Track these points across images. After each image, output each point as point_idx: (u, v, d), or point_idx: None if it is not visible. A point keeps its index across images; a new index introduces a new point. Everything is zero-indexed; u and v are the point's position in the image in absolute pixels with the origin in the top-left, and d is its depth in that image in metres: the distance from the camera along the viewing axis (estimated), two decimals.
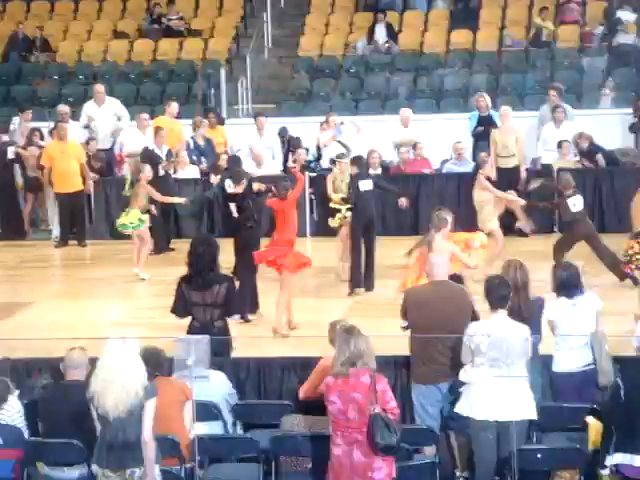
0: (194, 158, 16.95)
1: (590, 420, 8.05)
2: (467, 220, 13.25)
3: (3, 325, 11.68)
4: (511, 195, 13.42)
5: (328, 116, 16.55)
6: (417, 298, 8.68)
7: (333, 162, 13.65)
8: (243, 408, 8.83)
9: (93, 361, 7.47)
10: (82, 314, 12.09)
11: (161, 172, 15.34)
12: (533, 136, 16.64)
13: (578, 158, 16.56)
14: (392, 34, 22.99)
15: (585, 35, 22.49)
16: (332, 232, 13.80)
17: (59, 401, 7.91)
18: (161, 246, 15.28)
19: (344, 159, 13.36)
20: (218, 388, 8.70)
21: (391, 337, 8.96)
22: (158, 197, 14.08)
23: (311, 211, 16.42)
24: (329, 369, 7.51)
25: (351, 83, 22.51)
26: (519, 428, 7.79)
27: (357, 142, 16.24)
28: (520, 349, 7.89)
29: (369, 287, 12.66)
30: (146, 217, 13.81)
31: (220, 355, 8.99)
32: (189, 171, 16.72)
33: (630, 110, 18.28)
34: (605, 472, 7.66)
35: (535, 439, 8.23)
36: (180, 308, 9.61)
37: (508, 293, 8.11)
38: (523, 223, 14.57)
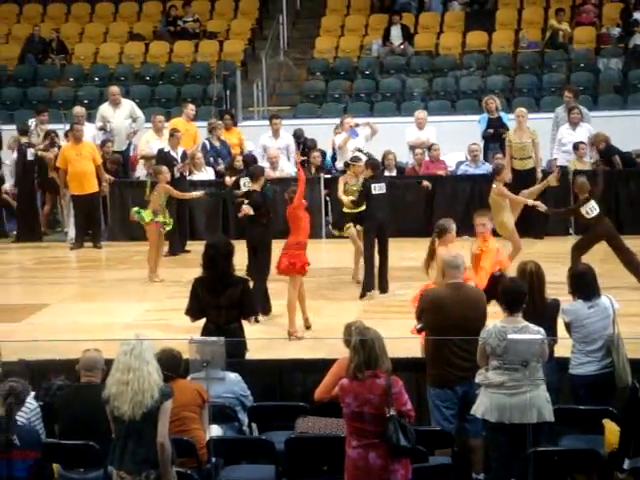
0: (211, 160, 16.97)
1: (607, 423, 8.02)
2: None
3: (19, 327, 11.70)
4: (531, 201, 13.32)
5: (343, 118, 16.53)
6: (433, 300, 8.66)
7: (347, 165, 13.61)
8: (258, 410, 8.82)
9: (109, 363, 7.47)
10: (97, 316, 12.10)
11: (176, 174, 15.35)
12: (547, 138, 16.59)
13: (594, 160, 16.51)
14: (407, 36, 23.00)
15: (601, 37, 22.45)
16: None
17: (75, 403, 7.92)
18: (176, 248, 15.30)
19: (358, 163, 13.33)
20: (233, 390, 8.70)
21: (407, 339, 8.94)
22: (178, 195, 14.11)
23: (326, 213, 16.42)
24: (344, 371, 7.50)
25: (366, 85, 22.52)
26: (535, 430, 7.76)
27: (372, 144, 16.25)
28: (536, 351, 7.85)
29: (384, 289, 12.64)
30: (159, 219, 13.73)
31: (234, 357, 8.99)
32: (204, 173, 16.74)
33: None
34: (623, 476, 7.62)
35: (551, 441, 8.20)
36: (194, 310, 9.61)
37: (524, 295, 8.09)
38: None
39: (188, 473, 7.72)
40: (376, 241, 12.57)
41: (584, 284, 8.78)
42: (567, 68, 22.07)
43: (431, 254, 10.53)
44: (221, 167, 16.86)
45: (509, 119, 17.04)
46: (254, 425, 8.79)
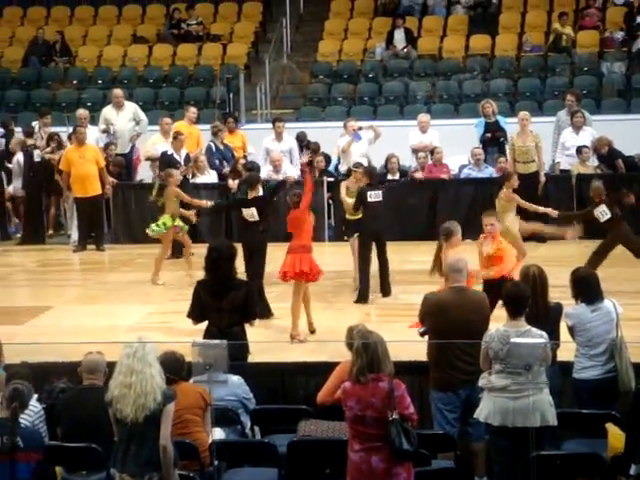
0: (216, 163, 16.96)
1: (610, 427, 8.01)
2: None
3: (22, 329, 11.70)
4: (542, 208, 13.29)
5: (346, 122, 16.54)
6: (436, 304, 8.66)
7: (349, 171, 13.60)
8: (261, 413, 8.82)
9: (111, 365, 7.47)
10: (100, 318, 12.11)
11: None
12: (549, 141, 16.58)
13: (597, 164, 16.51)
14: (411, 39, 23.00)
15: (604, 40, 22.45)
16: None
17: (77, 405, 7.92)
18: (179, 251, 15.29)
19: (359, 169, 13.31)
20: (236, 393, 8.70)
21: (409, 342, 8.94)
22: (187, 199, 14.05)
23: (328, 216, 16.43)
24: (347, 374, 7.49)
25: (370, 88, 22.52)
26: (538, 434, 7.75)
27: (376, 147, 16.26)
28: (539, 355, 7.84)
29: (386, 292, 12.62)
30: (178, 223, 13.71)
31: (237, 360, 8.98)
32: (208, 176, 16.75)
33: None
34: None
35: (554, 445, 8.19)
36: (196, 313, 9.61)
37: (527, 299, 8.08)
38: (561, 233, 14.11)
39: (190, 476, 7.71)
40: (374, 248, 12.54)
41: (587, 288, 8.78)
42: (570, 72, 22.07)
43: (438, 258, 10.53)
44: (226, 170, 16.87)
45: (506, 122, 17.05)
46: (257, 428, 8.79)
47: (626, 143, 16.76)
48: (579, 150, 16.35)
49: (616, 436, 7.87)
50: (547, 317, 8.54)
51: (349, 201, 13.04)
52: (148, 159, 16.99)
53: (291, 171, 16.83)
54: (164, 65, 23.68)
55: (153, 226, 13.69)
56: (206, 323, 9.55)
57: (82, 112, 17.47)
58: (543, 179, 15.79)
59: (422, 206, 16.25)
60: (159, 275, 13.69)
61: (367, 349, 7.31)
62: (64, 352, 9.76)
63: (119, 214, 16.79)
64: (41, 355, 9.85)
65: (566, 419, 8.13)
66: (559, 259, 13.24)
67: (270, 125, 17.77)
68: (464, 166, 17.23)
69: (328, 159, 17.31)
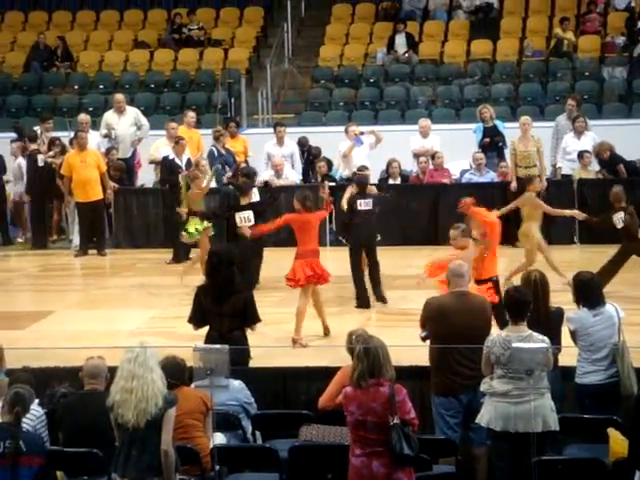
0: (219, 167, 16.95)
1: (611, 432, 8.00)
2: None
3: (23, 334, 11.70)
4: (568, 211, 13.25)
5: (347, 126, 16.55)
6: (437, 308, 8.65)
7: (354, 175, 13.58)
8: (262, 418, 8.82)
9: (113, 370, 7.47)
10: (101, 323, 12.11)
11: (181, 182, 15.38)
12: (548, 146, 16.58)
13: (599, 169, 16.50)
14: (412, 44, 23.02)
15: (606, 45, 22.46)
16: None
17: (78, 410, 7.92)
18: (181, 255, 15.31)
19: (365, 172, 13.30)
20: (237, 397, 8.70)
21: (410, 347, 8.93)
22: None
23: (330, 221, 16.42)
24: (348, 379, 7.49)
25: (371, 93, 22.54)
26: (540, 439, 7.74)
27: (377, 152, 16.26)
28: (540, 360, 7.84)
29: (383, 300, 12.52)
30: (207, 225, 13.67)
31: (238, 365, 8.98)
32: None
33: None
34: None
35: (555, 450, 8.18)
36: (197, 318, 9.61)
37: (528, 304, 8.07)
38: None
39: None
40: (364, 256, 12.54)
41: (589, 292, 8.77)
42: (572, 77, 22.08)
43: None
44: (228, 174, 16.87)
45: (504, 127, 17.06)
46: (258, 433, 8.78)
47: (627, 148, 16.76)
48: (580, 155, 16.34)
49: (618, 441, 7.86)
50: (548, 322, 8.54)
51: (347, 207, 13.07)
52: (152, 162, 16.99)
53: (292, 176, 16.84)
54: (165, 70, 23.70)
55: (188, 232, 13.54)
56: (207, 328, 9.55)
57: (83, 117, 17.48)
58: (545, 184, 15.78)
59: (423, 211, 16.25)
60: (185, 277, 13.37)
61: (368, 354, 7.30)
62: (65, 357, 9.75)
63: (120, 219, 16.79)
64: (42, 360, 9.85)
65: (567, 424, 8.12)
66: (560, 264, 13.22)
67: (271, 130, 17.79)
68: (465, 171, 17.23)
69: (329, 164, 17.31)
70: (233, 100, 21.49)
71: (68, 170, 16.16)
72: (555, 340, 8.43)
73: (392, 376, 7.32)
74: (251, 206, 12.79)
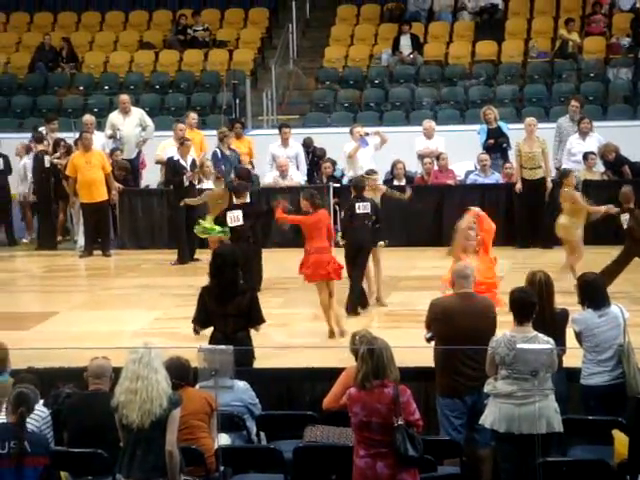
0: (222, 168, 16.96)
1: (616, 433, 7.99)
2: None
3: (28, 335, 11.71)
4: (604, 207, 13.20)
5: (353, 127, 16.55)
6: (442, 310, 8.65)
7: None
8: (267, 418, 8.82)
9: (117, 371, 7.47)
10: (106, 324, 12.11)
11: (186, 182, 15.39)
12: (550, 148, 16.55)
13: (604, 170, 16.48)
14: (417, 45, 23.02)
15: (611, 46, 22.44)
16: None
17: (83, 410, 7.92)
18: (185, 256, 15.32)
19: (373, 176, 13.29)
20: (242, 398, 8.69)
21: (415, 348, 8.93)
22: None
23: (335, 222, 16.41)
24: (352, 380, 7.49)
25: (376, 94, 22.54)
26: (544, 441, 7.73)
27: (382, 153, 16.25)
28: (545, 361, 7.83)
29: (364, 305, 12.43)
30: (222, 230, 13.70)
31: (242, 365, 8.98)
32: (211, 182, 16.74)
33: None
34: None
35: (560, 452, 8.18)
36: (202, 319, 9.61)
37: (534, 305, 8.06)
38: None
39: None
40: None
41: (593, 293, 8.76)
42: (577, 78, 22.07)
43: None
44: (232, 176, 16.87)
45: (508, 128, 17.04)
46: (262, 434, 8.78)
47: (632, 149, 16.74)
48: (585, 156, 16.32)
49: (623, 443, 7.84)
50: (553, 323, 8.52)
51: None
52: (158, 163, 17.00)
53: (297, 176, 16.84)
54: (170, 71, 23.72)
55: (204, 226, 13.51)
56: (211, 329, 9.55)
57: (88, 118, 17.49)
58: (550, 185, 15.77)
59: (428, 212, 16.24)
60: None
61: (372, 355, 7.30)
62: (70, 357, 9.76)
63: (125, 220, 16.80)
64: (47, 360, 9.86)
65: (572, 425, 8.11)
66: (566, 266, 13.19)
67: (276, 131, 17.79)
68: (470, 172, 17.22)
69: (334, 165, 17.32)
70: (238, 101, 21.50)
71: (73, 171, 16.17)
72: (559, 341, 8.42)
73: (396, 377, 7.32)
74: (243, 207, 12.83)
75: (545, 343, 7.90)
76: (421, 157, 17.10)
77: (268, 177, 16.96)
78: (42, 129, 17.99)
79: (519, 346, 7.77)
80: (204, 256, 14.19)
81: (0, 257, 16.57)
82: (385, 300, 12.62)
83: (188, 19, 24.36)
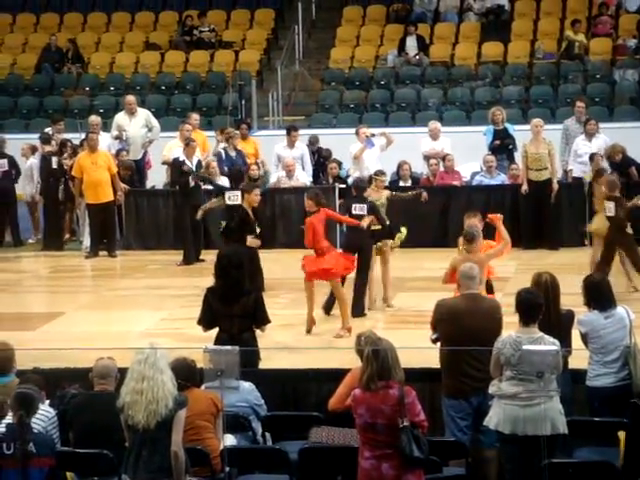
0: (224, 170, 16.97)
1: (622, 435, 7.98)
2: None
3: (34, 335, 11.72)
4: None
5: (358, 128, 16.55)
6: (448, 310, 8.64)
7: (371, 179, 13.53)
8: (272, 419, 8.81)
9: (123, 372, 7.48)
10: (112, 324, 12.13)
11: (191, 183, 15.40)
12: (557, 149, 16.54)
13: (610, 171, 16.44)
14: (423, 46, 23.02)
15: (617, 48, 22.43)
16: None
17: (88, 411, 7.92)
18: (191, 257, 15.33)
19: (381, 177, 13.24)
20: (247, 399, 8.70)
21: (420, 349, 8.93)
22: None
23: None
24: (357, 381, 7.49)
25: (382, 95, 22.55)
26: (549, 442, 7.72)
27: (388, 154, 16.25)
28: (550, 363, 7.82)
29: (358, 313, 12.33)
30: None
31: (248, 366, 8.97)
32: (220, 182, 16.73)
33: None
34: None
35: (566, 453, 8.17)
36: (207, 320, 9.61)
37: (540, 306, 8.05)
38: None
39: None
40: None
41: (599, 294, 8.74)
42: (583, 79, 22.05)
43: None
44: None
45: (514, 130, 17.03)
46: (268, 435, 8.78)
47: (639, 151, 16.71)
48: (592, 158, 16.30)
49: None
50: (559, 324, 8.51)
51: None
52: (164, 163, 17.01)
53: (303, 177, 16.85)
54: (176, 72, 23.74)
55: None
56: (216, 329, 9.55)
57: (94, 119, 17.51)
58: (556, 186, 15.76)
59: (434, 213, 16.23)
60: None
61: (377, 356, 7.30)
62: (76, 358, 9.76)
63: (131, 220, 16.81)
64: (53, 361, 9.86)
65: (578, 427, 8.10)
66: (571, 266, 13.21)
67: (282, 132, 17.80)
68: (476, 173, 17.21)
69: (340, 166, 17.32)
70: (244, 102, 21.51)
71: (79, 172, 16.18)
72: (565, 343, 8.41)
73: (401, 378, 7.31)
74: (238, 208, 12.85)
75: (551, 344, 7.89)
76: (427, 158, 17.09)
77: (273, 177, 17.00)
78: (48, 130, 18.00)
79: (525, 347, 7.76)
80: (209, 257, 14.21)
81: (6, 258, 16.59)
82: (392, 301, 12.60)
83: (194, 20, 24.38)
